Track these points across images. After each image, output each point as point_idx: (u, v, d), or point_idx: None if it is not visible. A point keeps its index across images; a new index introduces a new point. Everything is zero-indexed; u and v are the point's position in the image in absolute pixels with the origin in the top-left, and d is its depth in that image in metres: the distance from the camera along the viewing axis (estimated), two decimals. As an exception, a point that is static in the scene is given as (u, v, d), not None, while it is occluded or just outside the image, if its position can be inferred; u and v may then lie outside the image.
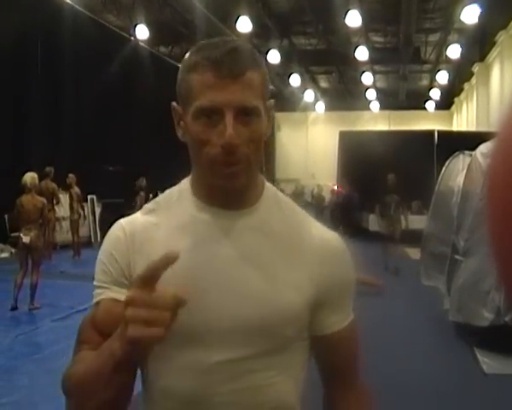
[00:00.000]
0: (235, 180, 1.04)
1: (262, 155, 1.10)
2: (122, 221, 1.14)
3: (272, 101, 1.11)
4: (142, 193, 13.86)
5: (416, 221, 11.60)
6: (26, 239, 7.35)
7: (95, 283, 1.10)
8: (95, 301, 1.09)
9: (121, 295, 1.02)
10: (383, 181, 10.80)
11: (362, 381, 1.21)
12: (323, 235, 1.16)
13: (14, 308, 7.33)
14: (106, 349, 0.95)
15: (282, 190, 1.25)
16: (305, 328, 1.12)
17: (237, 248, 1.08)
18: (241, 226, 1.09)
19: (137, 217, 1.14)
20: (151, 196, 15.14)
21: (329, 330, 1.13)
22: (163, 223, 1.11)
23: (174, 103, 1.10)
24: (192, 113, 1.03)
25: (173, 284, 0.98)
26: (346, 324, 1.15)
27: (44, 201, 7.80)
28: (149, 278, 0.87)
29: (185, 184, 1.15)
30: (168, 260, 0.86)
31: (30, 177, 7.52)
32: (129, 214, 1.16)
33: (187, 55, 1.07)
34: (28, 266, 7.47)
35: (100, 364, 0.95)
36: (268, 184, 1.17)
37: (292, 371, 1.12)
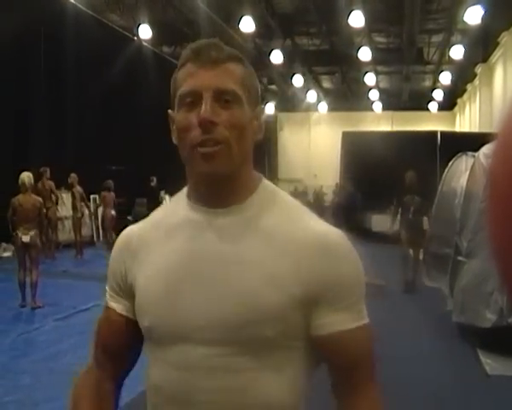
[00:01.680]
0: (211, 162, 1.02)
1: (248, 150, 1.07)
2: (127, 228, 1.21)
3: (263, 107, 1.09)
4: (103, 193, 13.79)
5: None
6: (25, 238, 7.37)
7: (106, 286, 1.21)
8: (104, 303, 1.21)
9: (115, 303, 1.17)
10: (386, 182, 10.72)
11: (374, 387, 1.12)
12: (320, 229, 1.06)
13: (24, 306, 7.41)
14: None
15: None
16: (294, 327, 1.04)
17: (220, 245, 1.05)
18: (227, 224, 1.06)
19: (144, 221, 1.19)
20: (164, 194, 15.20)
21: (326, 330, 1.04)
22: (161, 225, 1.14)
23: (170, 111, 1.12)
24: (177, 103, 1.06)
25: (156, 284, 1.09)
26: (351, 326, 1.05)
27: (41, 200, 7.86)
28: None
29: (185, 187, 1.16)
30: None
31: (27, 176, 7.58)
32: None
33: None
34: (27, 264, 7.51)
35: None
36: (266, 182, 1.13)
37: (287, 373, 1.05)
